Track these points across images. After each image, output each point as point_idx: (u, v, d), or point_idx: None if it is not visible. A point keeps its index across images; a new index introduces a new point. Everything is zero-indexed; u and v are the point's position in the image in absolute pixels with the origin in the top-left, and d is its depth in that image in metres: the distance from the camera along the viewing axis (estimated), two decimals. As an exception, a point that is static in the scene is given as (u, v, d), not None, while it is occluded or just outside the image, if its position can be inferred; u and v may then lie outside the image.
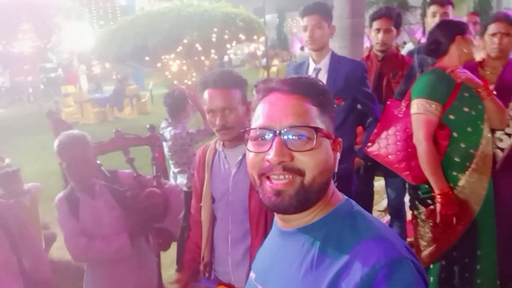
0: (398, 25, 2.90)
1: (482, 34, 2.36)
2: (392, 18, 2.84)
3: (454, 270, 2.25)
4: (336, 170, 0.85)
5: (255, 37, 9.75)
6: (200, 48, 8.67)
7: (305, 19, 2.41)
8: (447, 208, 2.06)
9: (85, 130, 2.21)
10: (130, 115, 12.59)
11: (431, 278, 2.27)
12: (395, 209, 3.13)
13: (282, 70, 19.25)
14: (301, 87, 0.82)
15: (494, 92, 2.10)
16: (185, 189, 3.37)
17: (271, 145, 0.78)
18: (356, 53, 3.93)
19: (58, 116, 2.65)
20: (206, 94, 1.62)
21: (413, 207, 2.30)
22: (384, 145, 2.26)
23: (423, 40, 3.14)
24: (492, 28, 2.32)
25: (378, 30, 2.86)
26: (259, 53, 15.82)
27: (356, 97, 2.45)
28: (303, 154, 0.78)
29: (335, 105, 0.86)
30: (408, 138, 2.18)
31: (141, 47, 8.49)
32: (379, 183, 3.52)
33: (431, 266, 2.27)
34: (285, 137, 0.78)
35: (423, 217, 2.21)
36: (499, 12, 2.46)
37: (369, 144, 2.32)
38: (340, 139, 0.86)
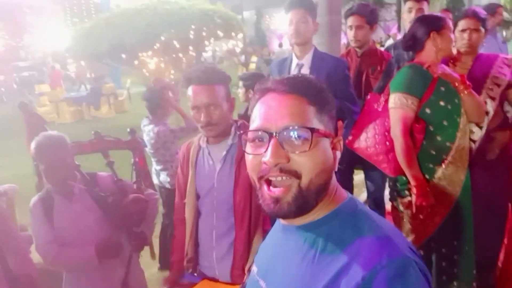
0: (372, 21, 2.94)
1: (453, 30, 2.42)
2: (364, 15, 2.89)
3: (431, 260, 2.31)
4: (336, 169, 0.83)
5: (233, 34, 9.71)
6: (177, 45, 8.58)
7: (290, 13, 2.42)
8: (422, 199, 2.11)
9: (61, 130, 2.16)
10: (108, 114, 12.39)
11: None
12: (374, 202, 3.18)
13: (261, 67, 19.22)
14: (298, 87, 0.81)
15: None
16: (168, 186, 3.35)
17: (268, 147, 0.77)
18: (333, 50, 3.95)
19: (30, 108, 2.56)
20: (190, 91, 1.61)
21: (392, 198, 2.36)
22: (363, 138, 2.30)
23: (399, 36, 3.19)
24: (461, 24, 2.39)
25: (351, 27, 2.91)
26: (237, 50, 15.77)
27: (336, 95, 2.46)
28: (299, 155, 0.77)
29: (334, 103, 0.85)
30: (386, 131, 2.22)
31: (118, 45, 8.34)
32: (358, 176, 3.58)
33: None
34: (281, 138, 0.77)
35: (401, 208, 2.27)
36: (468, 9, 2.53)
37: (350, 137, 2.35)
38: (340, 138, 0.85)
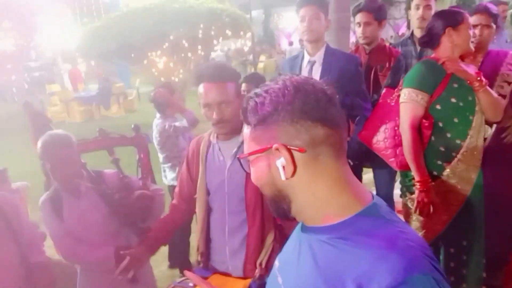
0: (381, 17, 2.92)
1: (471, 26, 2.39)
2: (372, 11, 2.87)
3: (439, 260, 2.29)
4: (284, 178, 0.79)
5: (241, 32, 9.73)
6: (186, 44, 8.63)
7: (302, 10, 2.42)
8: (423, 195, 2.10)
9: (71, 129, 2.19)
10: (117, 113, 12.48)
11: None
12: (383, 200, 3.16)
13: (269, 66, 19.21)
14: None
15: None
16: (175, 183, 3.37)
17: None
18: (342, 47, 3.94)
19: (35, 108, 2.58)
20: (201, 88, 1.61)
21: (402, 195, 2.35)
22: (375, 132, 2.30)
23: (407, 34, 3.17)
24: (473, 19, 2.35)
25: (359, 24, 2.90)
26: (245, 49, 15.78)
27: (348, 92, 2.44)
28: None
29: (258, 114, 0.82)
30: (396, 126, 2.22)
31: (127, 44, 8.40)
32: (367, 175, 3.56)
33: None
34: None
35: (410, 204, 2.26)
36: (479, 4, 2.50)
37: (362, 131, 2.35)
38: (275, 145, 0.78)
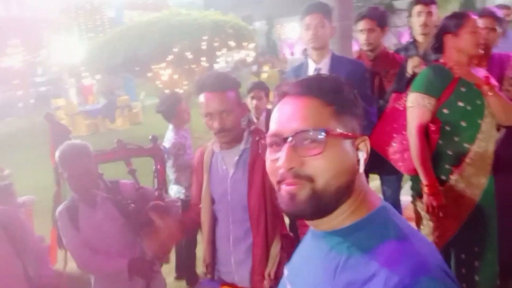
0: (384, 24, 2.93)
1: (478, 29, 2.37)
2: (374, 18, 2.88)
3: (450, 266, 2.26)
4: (361, 170, 0.80)
5: (245, 43, 9.80)
6: (190, 56, 8.68)
7: (307, 18, 2.41)
8: (432, 198, 2.09)
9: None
10: (122, 126, 12.56)
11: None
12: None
13: (273, 76, 19.28)
14: (312, 88, 0.79)
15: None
16: (182, 197, 3.35)
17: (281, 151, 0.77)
18: (345, 55, 3.96)
19: (56, 119, 2.60)
20: (202, 98, 1.62)
21: (413, 200, 2.33)
22: (383, 136, 2.30)
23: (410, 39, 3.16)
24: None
25: (362, 31, 2.91)
26: (249, 60, 15.87)
27: None
28: (313, 158, 0.74)
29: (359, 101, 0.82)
30: (404, 130, 2.22)
31: (131, 58, 8.48)
32: (374, 183, 3.54)
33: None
34: (294, 142, 0.75)
35: (419, 209, 2.23)
36: (484, 8, 2.49)
37: (372, 137, 2.34)
38: (365, 137, 0.80)
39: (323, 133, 0.74)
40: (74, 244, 2.03)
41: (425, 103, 2.09)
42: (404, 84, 2.72)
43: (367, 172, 3.07)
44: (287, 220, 2.07)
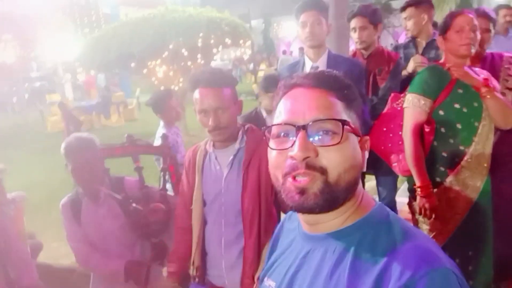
0: (376, 21, 2.90)
1: (471, 29, 2.36)
2: (366, 15, 2.85)
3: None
4: (364, 169, 0.79)
5: (241, 41, 9.74)
6: (186, 53, 8.62)
7: (303, 16, 2.37)
8: (425, 200, 2.07)
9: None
10: (117, 122, 12.48)
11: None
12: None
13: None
14: (325, 81, 0.78)
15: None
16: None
17: (295, 140, 0.74)
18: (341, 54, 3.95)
19: (68, 109, 2.56)
20: (197, 94, 1.56)
21: (410, 202, 2.30)
22: (380, 136, 2.28)
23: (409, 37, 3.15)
24: None
25: (354, 29, 2.89)
26: (245, 57, 15.83)
27: None
28: (328, 149, 0.73)
29: (361, 102, 0.82)
30: (401, 131, 2.20)
31: (127, 54, 8.41)
32: (369, 183, 3.53)
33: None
34: (310, 131, 0.73)
35: (416, 211, 2.21)
36: (478, 8, 2.47)
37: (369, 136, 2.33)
38: (367, 138, 0.81)
39: (341, 124, 0.73)
40: (74, 239, 2.01)
41: (420, 104, 2.07)
42: (399, 81, 2.71)
43: (363, 172, 3.05)
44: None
